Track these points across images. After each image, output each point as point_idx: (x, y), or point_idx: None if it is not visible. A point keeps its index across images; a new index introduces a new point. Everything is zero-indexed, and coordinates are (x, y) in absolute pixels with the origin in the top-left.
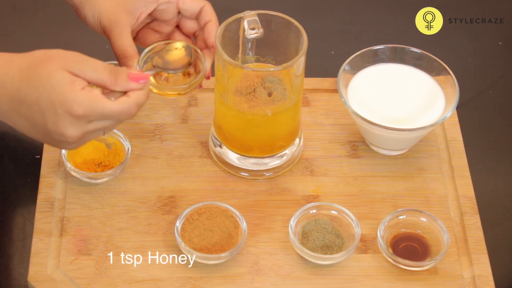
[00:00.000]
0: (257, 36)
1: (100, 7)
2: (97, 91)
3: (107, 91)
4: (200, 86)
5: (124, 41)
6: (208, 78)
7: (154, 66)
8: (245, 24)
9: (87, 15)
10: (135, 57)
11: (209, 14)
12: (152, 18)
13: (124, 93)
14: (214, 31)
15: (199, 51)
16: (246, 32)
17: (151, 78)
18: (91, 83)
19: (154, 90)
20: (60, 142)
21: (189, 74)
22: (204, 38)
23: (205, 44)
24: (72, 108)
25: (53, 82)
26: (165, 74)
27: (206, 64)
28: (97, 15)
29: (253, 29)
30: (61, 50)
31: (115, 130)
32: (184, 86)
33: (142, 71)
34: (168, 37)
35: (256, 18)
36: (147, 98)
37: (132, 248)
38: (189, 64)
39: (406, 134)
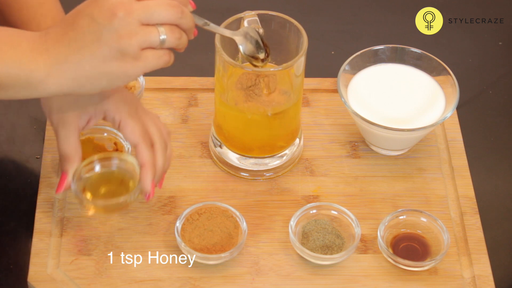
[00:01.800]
0: None
1: (52, 103)
2: None
3: None
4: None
5: (70, 145)
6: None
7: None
8: (245, 24)
9: (42, 106)
10: (76, 163)
11: (142, 157)
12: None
13: None
14: (146, 178)
15: (136, 166)
16: None
17: (88, 196)
18: None
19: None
20: (118, 37)
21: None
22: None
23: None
24: None
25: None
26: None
27: (140, 184)
28: (48, 110)
29: None
30: None
31: (114, 130)
32: (120, 201)
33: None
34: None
35: (256, 18)
36: None
37: (132, 248)
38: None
39: (406, 134)
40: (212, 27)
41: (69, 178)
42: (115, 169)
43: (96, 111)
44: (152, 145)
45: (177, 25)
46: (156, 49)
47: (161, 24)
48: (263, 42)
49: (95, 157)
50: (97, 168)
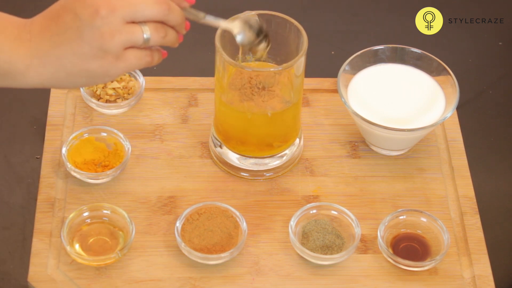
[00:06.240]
0: None
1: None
2: None
3: None
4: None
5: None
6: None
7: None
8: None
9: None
10: None
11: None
12: None
13: None
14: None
15: (127, 218)
16: None
17: (77, 247)
18: None
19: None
20: (99, 34)
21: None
22: None
23: None
24: None
25: None
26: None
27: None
28: None
29: None
30: None
31: (115, 131)
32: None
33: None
34: None
35: (256, 18)
36: None
37: (132, 248)
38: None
39: (406, 135)
40: (209, 20)
41: None
42: (106, 220)
43: None
44: None
45: (164, 22)
46: (140, 48)
47: (146, 22)
48: (263, 31)
49: (87, 206)
50: (88, 219)
